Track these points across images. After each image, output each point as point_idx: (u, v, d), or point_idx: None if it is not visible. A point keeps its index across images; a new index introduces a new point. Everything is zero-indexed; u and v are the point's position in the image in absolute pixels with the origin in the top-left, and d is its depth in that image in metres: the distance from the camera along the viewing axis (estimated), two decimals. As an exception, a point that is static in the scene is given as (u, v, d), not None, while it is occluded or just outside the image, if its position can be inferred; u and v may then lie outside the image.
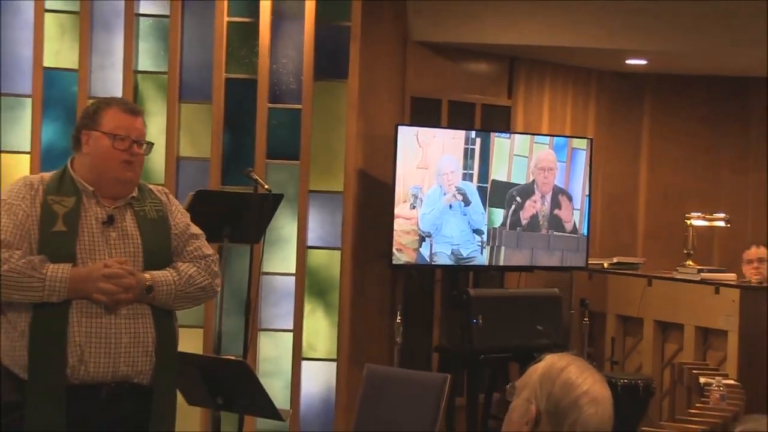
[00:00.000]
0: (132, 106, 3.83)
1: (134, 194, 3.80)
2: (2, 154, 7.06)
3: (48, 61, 7.13)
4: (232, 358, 5.17)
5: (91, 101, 3.98)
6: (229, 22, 7.22)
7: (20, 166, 7.10)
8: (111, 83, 7.19)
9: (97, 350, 3.62)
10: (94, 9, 7.18)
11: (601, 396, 2.61)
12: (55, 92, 7.18)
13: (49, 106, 7.16)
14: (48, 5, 7.12)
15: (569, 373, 2.60)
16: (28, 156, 7.11)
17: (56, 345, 3.58)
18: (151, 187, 3.93)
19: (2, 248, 3.54)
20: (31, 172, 7.06)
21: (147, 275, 3.74)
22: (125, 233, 3.74)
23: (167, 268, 3.83)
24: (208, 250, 4.01)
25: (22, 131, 7.12)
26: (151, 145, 3.85)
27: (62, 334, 3.58)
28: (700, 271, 7.41)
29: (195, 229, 3.96)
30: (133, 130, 3.72)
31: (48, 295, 3.56)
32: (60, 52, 7.17)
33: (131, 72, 7.20)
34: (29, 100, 7.11)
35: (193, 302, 4.06)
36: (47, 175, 3.77)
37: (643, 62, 8.58)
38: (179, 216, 3.91)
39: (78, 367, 3.60)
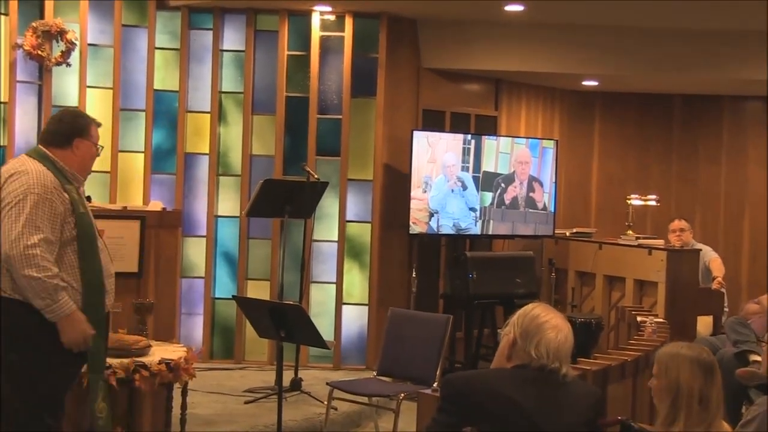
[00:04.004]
0: (98, 121, 3.78)
1: None
2: (122, 153, 7.10)
3: (157, 85, 7.15)
4: (291, 302, 5.19)
5: (82, 116, 3.79)
6: (288, 55, 7.21)
7: (136, 162, 7.14)
8: (201, 101, 7.20)
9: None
10: (190, 46, 7.20)
11: (561, 326, 2.70)
12: (162, 107, 7.19)
13: (157, 117, 7.18)
14: (157, 44, 7.13)
15: (537, 311, 2.73)
16: (142, 155, 7.13)
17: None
18: None
19: (41, 247, 3.35)
20: (144, 168, 7.11)
21: None
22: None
23: None
24: None
25: (137, 136, 7.13)
26: (102, 148, 3.84)
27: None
28: (637, 238, 7.37)
29: None
30: (98, 139, 3.76)
31: (47, 312, 3.39)
32: (165, 78, 7.18)
33: (217, 92, 7.21)
34: (143, 113, 7.13)
35: None
36: (47, 171, 3.51)
37: (595, 83, 8.54)
38: None
39: None
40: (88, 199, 3.75)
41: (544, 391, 2.62)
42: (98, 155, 3.78)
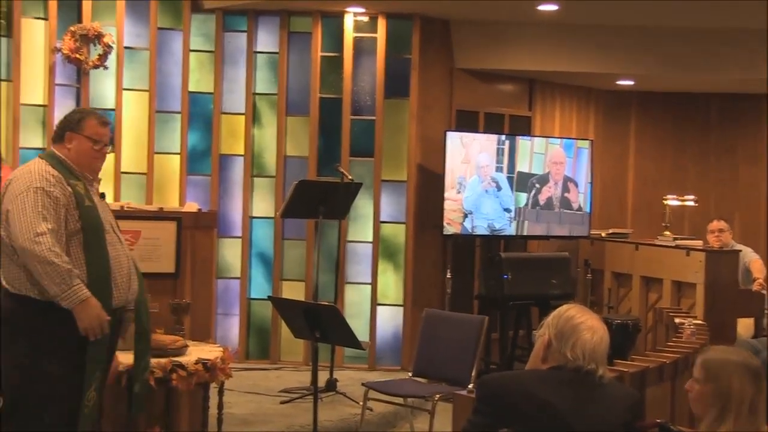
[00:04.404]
0: (105, 119, 3.76)
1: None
2: (158, 155, 7.15)
3: (192, 87, 7.20)
4: (326, 303, 5.20)
5: (78, 111, 3.78)
6: (321, 56, 7.23)
7: (172, 164, 7.19)
8: (236, 103, 7.24)
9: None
10: (224, 48, 7.24)
11: (597, 327, 2.68)
12: (197, 109, 7.23)
13: (192, 119, 7.22)
14: (192, 46, 7.18)
15: (572, 312, 2.71)
16: (177, 156, 7.18)
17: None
18: None
19: (42, 233, 3.40)
20: (180, 169, 7.16)
21: None
22: (105, 203, 3.77)
23: None
24: None
25: (172, 138, 7.18)
26: (113, 146, 3.86)
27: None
28: (675, 239, 7.29)
29: None
30: (104, 136, 3.71)
31: (62, 299, 3.43)
32: (200, 80, 7.23)
33: (251, 94, 7.24)
34: (179, 115, 7.18)
35: None
36: (49, 166, 3.56)
37: (630, 82, 8.46)
38: None
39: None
40: (102, 196, 3.72)
41: (580, 392, 2.60)
42: (102, 152, 3.70)
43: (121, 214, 5.59)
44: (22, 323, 3.51)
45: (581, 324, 2.65)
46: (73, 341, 3.48)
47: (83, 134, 3.65)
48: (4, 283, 3.56)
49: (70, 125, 3.67)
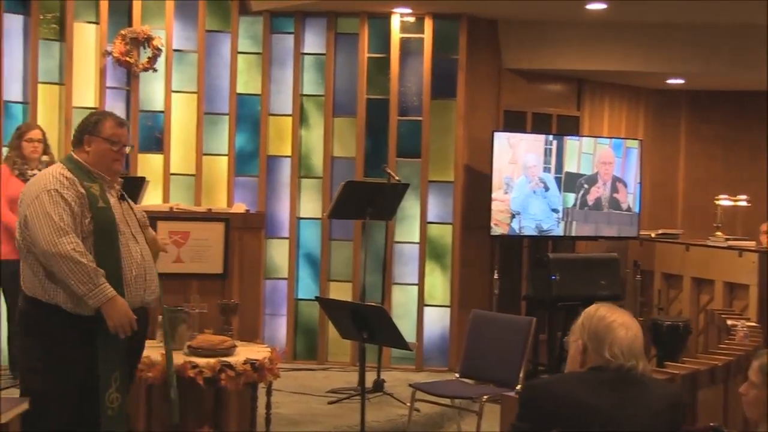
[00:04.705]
0: (122, 120, 3.75)
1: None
2: (206, 156, 7.22)
3: (240, 88, 7.25)
4: (373, 304, 5.20)
5: (96, 114, 3.77)
6: (368, 57, 7.23)
7: (219, 165, 7.25)
8: (283, 104, 7.27)
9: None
10: (272, 50, 7.28)
11: (629, 323, 2.66)
12: (245, 111, 7.28)
13: (240, 121, 7.28)
14: (240, 48, 7.24)
15: (602, 312, 2.69)
16: (225, 157, 7.23)
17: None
18: None
19: (65, 233, 3.40)
20: (228, 171, 7.22)
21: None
22: (128, 205, 3.74)
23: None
24: None
25: (220, 140, 7.24)
26: (132, 147, 3.84)
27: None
28: (727, 239, 7.18)
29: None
30: (122, 137, 3.69)
31: (89, 298, 3.43)
32: (248, 82, 7.28)
33: (298, 95, 7.27)
34: (227, 117, 7.24)
35: None
36: (65, 170, 3.58)
37: (681, 81, 8.34)
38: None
39: None
40: (122, 197, 3.71)
41: (622, 391, 2.58)
42: (120, 153, 3.69)
43: (171, 216, 5.66)
44: (33, 325, 3.55)
45: (613, 322, 2.64)
46: (83, 344, 3.48)
47: (101, 136, 3.64)
48: (21, 284, 3.61)
49: (88, 128, 3.67)
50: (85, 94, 6.83)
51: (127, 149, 3.81)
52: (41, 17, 6.67)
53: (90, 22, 6.86)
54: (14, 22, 6.59)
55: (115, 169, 3.71)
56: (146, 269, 3.65)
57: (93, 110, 6.76)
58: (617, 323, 2.63)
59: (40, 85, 6.68)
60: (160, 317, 4.54)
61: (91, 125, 3.67)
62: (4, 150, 6.14)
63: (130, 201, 3.79)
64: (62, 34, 6.77)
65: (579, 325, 2.69)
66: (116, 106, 6.89)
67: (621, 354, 2.58)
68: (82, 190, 3.52)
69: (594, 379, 2.60)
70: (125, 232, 3.62)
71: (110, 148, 3.65)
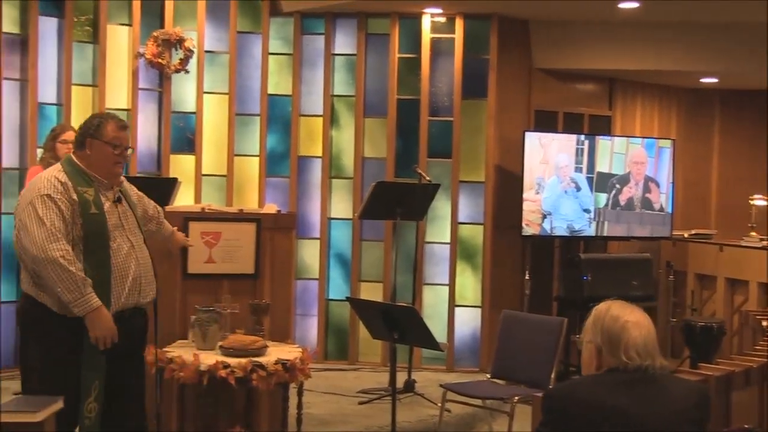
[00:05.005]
0: (123, 123, 3.73)
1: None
2: (237, 157, 7.25)
3: (271, 89, 7.28)
4: (404, 304, 5.19)
5: (98, 116, 3.74)
6: (399, 57, 7.23)
7: (251, 166, 7.28)
8: (314, 105, 7.29)
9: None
10: (303, 51, 7.30)
11: (641, 321, 2.61)
12: (276, 112, 7.31)
13: (271, 122, 7.31)
14: (271, 49, 7.27)
15: (613, 311, 2.64)
16: (257, 158, 7.26)
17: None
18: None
19: (56, 240, 3.41)
20: (259, 171, 7.25)
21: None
22: (125, 207, 3.71)
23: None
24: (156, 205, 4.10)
25: (252, 140, 7.28)
26: (132, 149, 3.80)
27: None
28: (761, 239, 7.09)
29: (141, 197, 4.01)
30: (124, 140, 3.68)
31: (74, 306, 3.43)
32: (279, 83, 7.30)
33: (329, 96, 7.29)
34: (258, 118, 7.27)
35: None
36: (61, 173, 3.57)
37: (714, 80, 8.26)
38: (132, 193, 3.89)
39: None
40: (118, 200, 3.69)
41: (643, 390, 2.56)
42: (122, 157, 3.68)
43: (203, 216, 5.68)
44: (31, 324, 3.59)
45: (627, 323, 2.60)
46: (75, 344, 3.49)
47: (103, 139, 3.63)
48: (20, 283, 3.67)
49: (90, 131, 3.66)
50: (118, 96, 6.90)
51: (129, 153, 3.81)
52: (75, 20, 6.74)
53: (123, 24, 6.92)
54: (48, 25, 6.67)
55: (116, 172, 3.71)
56: (141, 272, 3.65)
57: (126, 110, 6.84)
58: (630, 323, 2.60)
59: (73, 87, 6.74)
60: (192, 317, 4.57)
61: (93, 128, 3.66)
62: (39, 151, 6.21)
63: (129, 201, 3.77)
64: (95, 37, 6.83)
65: (590, 324, 2.65)
66: (149, 108, 6.95)
67: (637, 355, 2.55)
68: (75, 197, 3.52)
69: (613, 380, 2.57)
70: (120, 236, 3.60)
71: (112, 151, 3.64)
